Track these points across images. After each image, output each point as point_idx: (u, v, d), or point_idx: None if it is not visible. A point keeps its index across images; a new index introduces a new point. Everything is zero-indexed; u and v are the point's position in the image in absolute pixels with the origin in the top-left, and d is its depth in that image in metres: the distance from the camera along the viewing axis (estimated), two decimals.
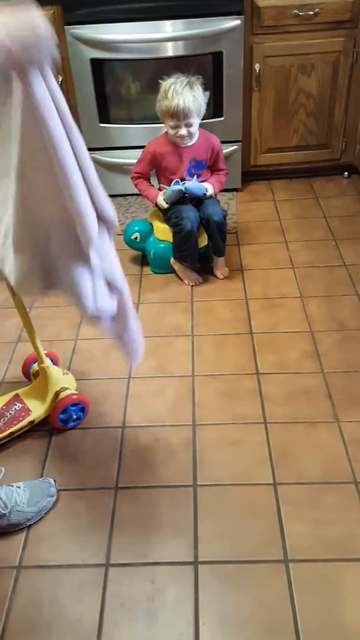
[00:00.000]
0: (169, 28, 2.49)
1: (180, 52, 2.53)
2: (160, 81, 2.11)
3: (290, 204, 2.78)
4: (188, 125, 2.08)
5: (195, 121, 2.10)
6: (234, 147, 2.76)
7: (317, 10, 2.49)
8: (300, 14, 2.50)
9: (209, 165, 2.24)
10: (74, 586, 1.32)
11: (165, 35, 2.51)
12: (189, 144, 2.15)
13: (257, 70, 2.63)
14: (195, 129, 2.11)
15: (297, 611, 1.24)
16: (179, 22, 2.47)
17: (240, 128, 2.74)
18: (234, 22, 2.48)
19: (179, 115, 2.04)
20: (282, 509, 1.45)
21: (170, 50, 2.53)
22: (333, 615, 1.23)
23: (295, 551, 1.36)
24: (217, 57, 2.55)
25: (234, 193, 2.87)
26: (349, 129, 2.81)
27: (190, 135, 2.11)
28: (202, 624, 1.23)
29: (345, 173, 2.98)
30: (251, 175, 2.94)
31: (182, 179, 2.16)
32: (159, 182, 2.27)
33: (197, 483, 1.52)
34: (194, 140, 2.16)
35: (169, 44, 2.53)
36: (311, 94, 2.71)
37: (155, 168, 2.23)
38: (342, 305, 2.11)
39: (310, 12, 2.49)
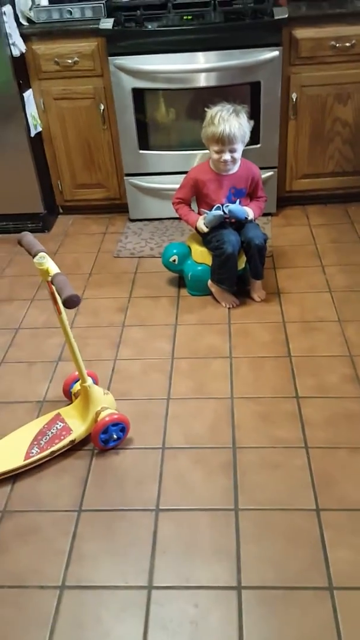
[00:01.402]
0: (209, 59, 2.56)
1: (220, 82, 2.59)
2: (206, 109, 2.17)
3: (325, 228, 2.79)
4: (232, 151, 2.13)
5: (239, 147, 2.14)
6: (270, 172, 2.80)
7: (353, 41, 2.54)
8: (337, 45, 2.55)
9: (248, 193, 2.28)
10: (117, 607, 1.32)
11: (206, 66, 2.58)
12: (232, 171, 2.19)
13: (294, 99, 2.68)
14: (238, 155, 2.16)
15: (342, 639, 1.22)
16: (220, 54, 2.54)
17: (277, 154, 2.78)
18: (272, 54, 2.54)
19: (224, 141, 2.09)
20: (326, 535, 1.43)
21: (210, 80, 2.60)
22: None
23: (340, 578, 1.33)
24: (255, 86, 2.61)
25: (269, 217, 2.90)
26: None
27: (233, 161, 2.15)
28: None
29: None
30: (286, 200, 2.97)
31: (222, 205, 2.20)
32: (199, 207, 2.31)
33: (239, 507, 1.51)
34: (236, 168, 2.20)
35: (210, 74, 2.60)
36: (347, 122, 2.74)
37: (196, 194, 2.28)
38: None
39: (347, 44, 2.54)
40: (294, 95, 2.67)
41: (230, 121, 2.07)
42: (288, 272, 2.49)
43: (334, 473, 1.58)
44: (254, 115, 2.66)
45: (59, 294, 1.36)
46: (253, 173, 2.25)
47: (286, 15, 2.48)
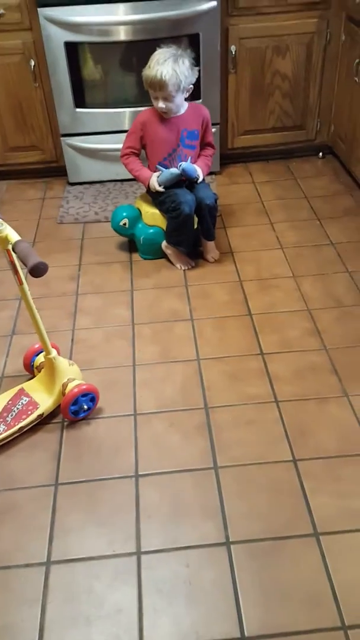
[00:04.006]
0: (146, 9, 2.44)
1: (158, 35, 2.48)
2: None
3: (270, 185, 2.80)
4: (166, 99, 2.05)
5: (177, 96, 2.06)
6: (213, 129, 2.74)
7: None
8: None
9: (201, 137, 2.21)
10: (108, 577, 1.30)
11: (142, 17, 2.46)
12: (172, 116, 2.12)
13: (233, 52, 2.62)
14: (175, 104, 2.07)
15: (334, 580, 1.26)
16: (156, 4, 2.43)
17: (218, 111, 2.73)
18: (209, 4, 2.46)
19: (155, 86, 2.02)
20: (305, 484, 1.46)
21: (147, 32, 2.48)
22: None
23: (324, 523, 1.38)
24: (194, 39, 2.53)
25: (213, 176, 2.86)
26: (323, 110, 2.84)
27: (169, 110, 2.08)
28: (242, 601, 1.24)
29: (320, 153, 3.01)
30: (229, 158, 2.94)
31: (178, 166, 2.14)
32: (151, 166, 2.23)
33: (218, 465, 1.52)
34: (183, 110, 2.13)
35: (146, 26, 2.48)
36: (286, 75, 2.72)
37: (147, 143, 2.18)
38: (335, 282, 2.14)
39: None
40: (232, 48, 2.61)
41: (165, 66, 1.98)
42: (238, 230, 2.48)
43: (306, 424, 1.62)
44: None
45: (23, 262, 1.28)
46: (203, 114, 2.19)
47: None
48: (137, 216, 2.29)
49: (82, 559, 1.34)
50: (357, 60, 2.42)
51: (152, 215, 2.25)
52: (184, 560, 1.32)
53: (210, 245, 2.28)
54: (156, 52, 2.05)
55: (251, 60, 2.66)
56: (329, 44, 2.66)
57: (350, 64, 2.51)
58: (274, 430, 1.61)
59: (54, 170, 2.92)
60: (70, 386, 1.63)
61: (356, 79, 2.46)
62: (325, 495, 1.44)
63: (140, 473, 1.52)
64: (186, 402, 1.70)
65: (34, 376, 1.76)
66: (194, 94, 2.64)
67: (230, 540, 1.36)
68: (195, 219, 2.23)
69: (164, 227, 2.23)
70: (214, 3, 2.46)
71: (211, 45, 2.55)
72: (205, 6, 2.46)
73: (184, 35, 2.53)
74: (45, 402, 1.65)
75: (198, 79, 2.58)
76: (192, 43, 2.53)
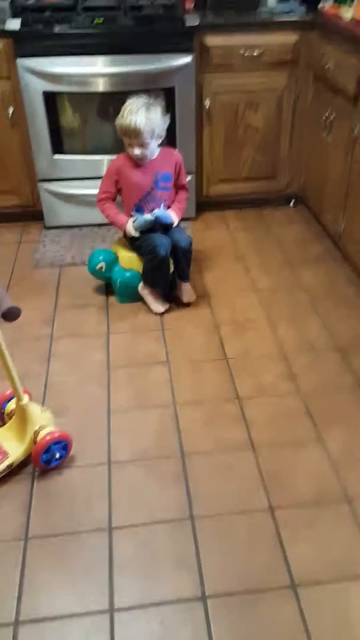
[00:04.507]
0: (123, 63, 2.53)
1: (135, 87, 2.55)
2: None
3: (244, 232, 2.86)
4: (141, 146, 2.11)
5: (151, 142, 2.12)
6: (188, 178, 2.81)
7: (261, 50, 2.62)
8: (246, 54, 2.62)
9: (174, 179, 2.26)
10: (80, 637, 1.24)
11: (120, 70, 2.54)
12: (146, 162, 2.17)
13: (207, 106, 2.72)
14: (149, 150, 2.13)
15: (312, 634, 1.23)
16: (134, 58, 2.52)
17: (194, 160, 2.80)
18: (185, 60, 2.55)
19: (130, 134, 2.08)
20: (282, 533, 1.44)
21: (125, 84, 2.55)
22: (347, 634, 1.23)
23: (301, 574, 1.35)
24: (170, 92, 2.61)
25: (189, 222, 2.91)
26: (293, 162, 2.94)
27: (144, 156, 2.14)
28: None
29: (291, 203, 3.10)
30: (205, 205, 3.00)
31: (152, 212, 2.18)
32: (127, 209, 2.26)
33: (194, 515, 1.49)
34: (155, 154, 2.19)
35: (124, 78, 2.56)
36: (258, 128, 2.82)
37: (122, 187, 2.22)
38: (308, 326, 2.17)
39: (255, 53, 2.62)
40: (207, 102, 2.71)
41: (138, 115, 2.05)
42: (214, 275, 2.51)
43: (282, 471, 1.60)
44: (170, 121, 2.68)
45: None
46: (175, 157, 2.25)
47: (197, 23, 2.51)
48: (114, 260, 2.30)
49: (52, 618, 1.28)
50: (324, 116, 2.54)
51: (129, 259, 2.26)
52: (159, 616, 1.27)
53: (186, 287, 2.30)
54: (128, 102, 2.12)
55: (225, 114, 2.76)
56: (298, 100, 2.78)
57: (318, 119, 2.62)
58: (250, 477, 1.59)
59: (30, 215, 2.94)
60: (42, 434, 1.59)
61: (324, 133, 2.57)
62: (303, 544, 1.42)
63: (113, 525, 1.47)
64: (162, 449, 1.68)
65: (4, 424, 1.71)
66: (171, 144, 2.73)
67: (206, 594, 1.31)
68: (171, 261, 2.25)
69: (141, 271, 2.25)
70: (189, 59, 2.56)
71: (186, 99, 2.64)
72: (181, 62, 2.56)
73: (160, 89, 2.62)
74: (15, 451, 1.60)
75: (174, 130, 2.69)
76: (168, 96, 2.62)
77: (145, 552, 1.40)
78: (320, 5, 2.69)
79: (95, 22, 2.52)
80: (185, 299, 2.30)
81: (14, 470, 1.60)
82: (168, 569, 1.37)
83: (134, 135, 2.07)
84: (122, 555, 1.40)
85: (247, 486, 1.56)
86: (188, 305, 2.30)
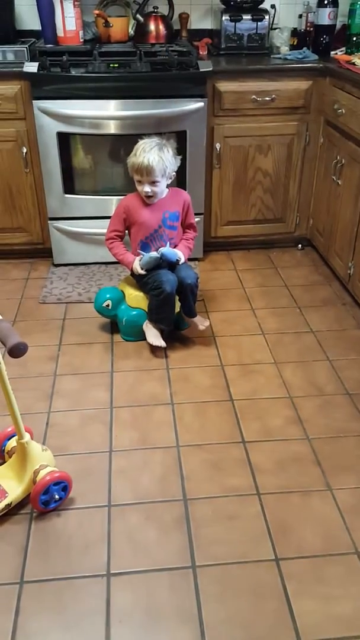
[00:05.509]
0: (135, 106, 2.59)
1: (147, 130, 2.60)
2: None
3: (251, 273, 2.86)
4: (152, 184, 2.14)
5: (162, 181, 2.16)
6: (196, 219, 2.83)
7: (273, 96, 2.68)
8: (258, 99, 2.68)
9: (182, 219, 2.29)
10: None
11: (132, 113, 2.60)
12: (155, 201, 2.20)
13: (218, 149, 2.77)
14: (159, 189, 2.17)
15: None
16: (147, 102, 2.58)
17: (203, 201, 2.83)
18: (197, 104, 2.62)
19: (142, 172, 2.12)
20: (288, 586, 1.37)
21: (138, 127, 2.60)
22: None
23: (307, 630, 1.28)
24: (181, 135, 2.66)
25: (196, 262, 2.92)
26: (302, 205, 2.97)
27: (154, 194, 2.17)
28: None
29: (299, 245, 3.12)
30: (212, 245, 3.02)
31: (158, 250, 2.19)
32: (134, 245, 2.28)
33: (196, 564, 1.43)
34: (164, 194, 2.22)
35: (137, 122, 2.62)
36: (267, 172, 2.87)
37: (130, 225, 2.25)
38: (315, 370, 2.14)
39: (267, 98, 2.68)
40: (217, 145, 2.76)
41: (151, 153, 2.10)
42: (220, 315, 2.50)
43: (289, 519, 1.55)
44: (180, 163, 2.73)
45: (2, 342, 1.25)
46: (183, 197, 2.29)
47: (210, 68, 2.58)
48: (121, 298, 2.30)
49: None
50: (334, 161, 2.57)
51: (135, 298, 2.26)
52: None
53: (196, 319, 2.29)
54: (141, 142, 2.18)
55: (235, 157, 2.81)
56: (308, 145, 2.83)
57: (328, 164, 2.66)
58: (255, 526, 1.53)
59: (39, 252, 2.96)
60: (42, 473, 1.55)
61: (334, 177, 2.60)
62: (309, 599, 1.35)
63: (112, 572, 1.41)
64: (164, 493, 1.62)
65: (4, 461, 1.67)
66: (181, 186, 2.77)
67: None
68: (177, 300, 2.25)
69: (147, 309, 2.24)
70: (202, 104, 2.62)
71: (197, 142, 2.69)
72: (193, 106, 2.62)
73: (171, 132, 2.67)
74: (14, 490, 1.56)
75: (184, 172, 2.73)
76: (179, 138, 2.67)
77: (144, 602, 1.34)
78: (332, 53, 2.78)
79: (111, 66, 2.60)
80: (200, 327, 2.29)
81: (12, 510, 1.55)
82: (168, 620, 1.30)
83: (146, 172, 2.11)
84: (119, 605, 1.33)
85: (252, 535, 1.50)
86: (204, 329, 2.28)
